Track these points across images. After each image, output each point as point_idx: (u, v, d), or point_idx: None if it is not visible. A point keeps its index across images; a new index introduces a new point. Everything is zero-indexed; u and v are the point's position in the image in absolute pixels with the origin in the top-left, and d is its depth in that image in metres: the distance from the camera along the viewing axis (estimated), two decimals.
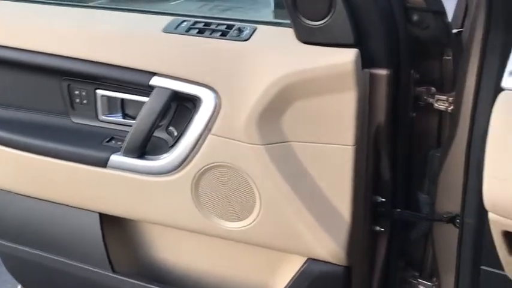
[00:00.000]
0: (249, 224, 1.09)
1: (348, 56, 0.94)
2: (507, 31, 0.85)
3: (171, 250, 1.28)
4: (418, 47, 1.03)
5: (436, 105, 1.06)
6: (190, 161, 1.08)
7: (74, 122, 1.25)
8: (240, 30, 1.07)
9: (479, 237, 0.94)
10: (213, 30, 1.08)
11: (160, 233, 1.27)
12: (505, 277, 0.90)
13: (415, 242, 1.20)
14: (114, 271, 1.27)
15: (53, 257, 1.33)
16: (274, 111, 1.01)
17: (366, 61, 0.97)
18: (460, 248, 1.00)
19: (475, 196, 0.90)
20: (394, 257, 1.17)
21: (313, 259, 1.10)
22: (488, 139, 0.75)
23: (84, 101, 1.22)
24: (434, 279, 1.16)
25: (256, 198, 1.07)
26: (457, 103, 0.99)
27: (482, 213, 0.84)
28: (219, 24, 1.10)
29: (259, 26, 1.08)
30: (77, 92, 1.22)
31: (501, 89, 0.81)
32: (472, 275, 0.98)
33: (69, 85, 1.21)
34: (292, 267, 1.14)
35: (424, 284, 1.17)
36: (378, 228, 1.12)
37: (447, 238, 1.07)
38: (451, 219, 1.04)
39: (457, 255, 1.01)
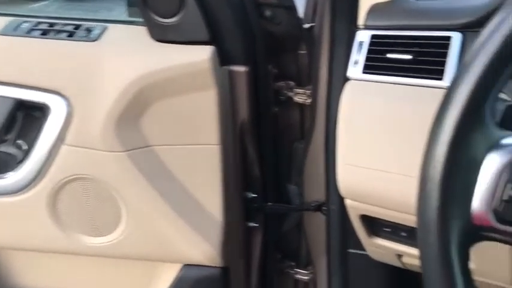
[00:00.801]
0: (117, 238, 1.02)
1: (204, 54, 0.92)
2: (350, 24, 0.89)
3: (34, 275, 1.16)
4: (273, 42, 1.04)
5: (295, 98, 1.08)
6: (44, 176, 0.98)
7: None
8: (88, 30, 0.99)
9: (344, 222, 0.98)
10: (59, 31, 0.99)
11: (18, 258, 1.14)
12: (369, 257, 0.96)
13: (289, 233, 1.22)
14: None
15: None
16: (132, 115, 0.95)
17: (224, 58, 0.95)
18: (328, 234, 1.03)
19: (336, 183, 0.93)
20: (271, 250, 1.18)
21: (189, 264, 1.07)
22: (338, 128, 0.78)
23: None
24: (310, 267, 1.19)
25: (122, 209, 1.00)
26: (314, 95, 1.02)
27: (344, 199, 0.88)
28: (65, 25, 1.01)
29: (110, 25, 1.01)
30: None
31: (348, 79, 0.84)
32: (341, 259, 1.02)
33: None
34: (168, 275, 1.09)
35: (300, 273, 1.20)
36: (252, 224, 1.12)
37: (317, 226, 1.10)
38: (318, 208, 1.07)
39: (326, 242, 1.04)
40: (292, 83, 1.09)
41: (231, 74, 0.97)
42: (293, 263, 1.23)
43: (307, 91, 1.07)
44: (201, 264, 1.06)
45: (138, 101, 0.94)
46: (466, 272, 0.43)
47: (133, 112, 0.95)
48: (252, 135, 1.05)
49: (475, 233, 0.43)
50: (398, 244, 0.86)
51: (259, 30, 0.99)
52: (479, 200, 0.42)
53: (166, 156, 0.99)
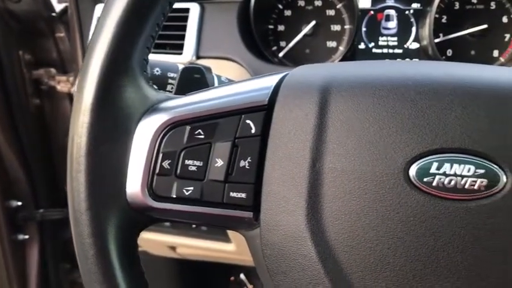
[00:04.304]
0: None
1: None
2: (94, 2, 0.80)
3: None
4: (20, 24, 0.90)
5: (59, 87, 0.96)
6: None
7: None
8: None
9: None
10: None
11: None
12: (149, 253, 0.89)
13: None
14: None
15: None
16: None
17: None
18: None
19: None
20: (53, 261, 1.04)
21: None
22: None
23: None
24: None
25: None
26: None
27: None
28: None
29: None
30: None
31: None
32: None
33: None
34: None
35: None
36: (21, 236, 0.97)
37: None
38: None
39: None
40: (53, 71, 0.96)
41: None
42: None
43: (71, 78, 0.95)
44: None
45: None
46: (131, 268, 0.36)
47: None
48: (6, 134, 0.90)
49: (136, 217, 0.36)
50: (168, 236, 0.80)
51: None
52: (133, 177, 0.35)
53: None
